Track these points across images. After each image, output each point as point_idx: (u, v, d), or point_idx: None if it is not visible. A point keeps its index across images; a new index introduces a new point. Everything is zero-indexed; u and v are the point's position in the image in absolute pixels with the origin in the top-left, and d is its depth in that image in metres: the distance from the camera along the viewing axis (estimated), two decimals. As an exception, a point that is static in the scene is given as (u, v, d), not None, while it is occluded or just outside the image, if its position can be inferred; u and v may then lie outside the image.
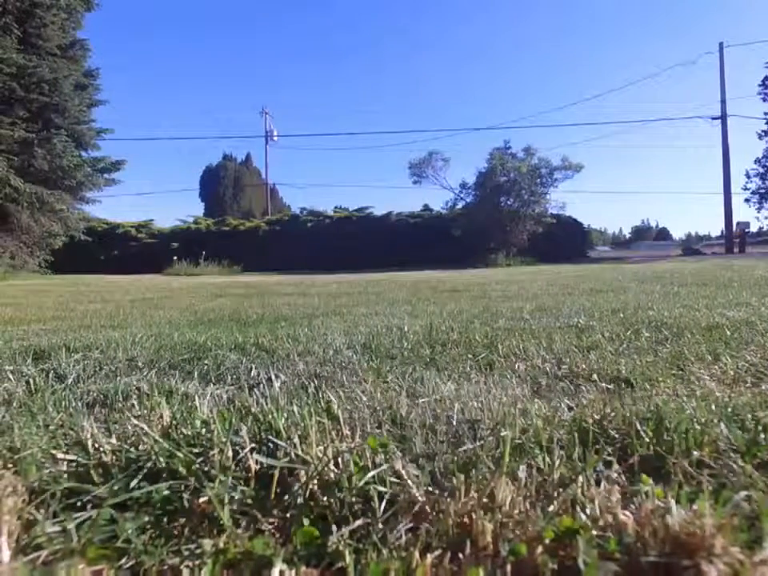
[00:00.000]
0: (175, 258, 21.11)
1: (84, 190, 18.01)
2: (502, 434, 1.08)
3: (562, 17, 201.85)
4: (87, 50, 17.97)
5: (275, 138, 41.21)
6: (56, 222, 17.00)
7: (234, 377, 1.92)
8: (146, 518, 0.85)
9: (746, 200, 32.34)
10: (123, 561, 0.76)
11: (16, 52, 14.57)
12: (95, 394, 1.67)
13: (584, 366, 1.92)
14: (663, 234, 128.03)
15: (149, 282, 13.17)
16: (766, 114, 30.70)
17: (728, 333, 2.48)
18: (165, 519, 0.87)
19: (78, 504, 0.89)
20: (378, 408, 1.41)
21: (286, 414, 1.22)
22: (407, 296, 5.99)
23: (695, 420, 1.18)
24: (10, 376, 1.87)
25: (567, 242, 25.35)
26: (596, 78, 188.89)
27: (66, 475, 0.98)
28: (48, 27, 15.65)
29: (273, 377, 1.82)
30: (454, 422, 1.26)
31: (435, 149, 27.56)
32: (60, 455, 1.04)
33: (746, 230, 29.35)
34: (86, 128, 17.74)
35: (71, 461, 1.03)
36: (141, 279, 14.81)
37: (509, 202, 23.83)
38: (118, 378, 1.89)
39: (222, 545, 0.78)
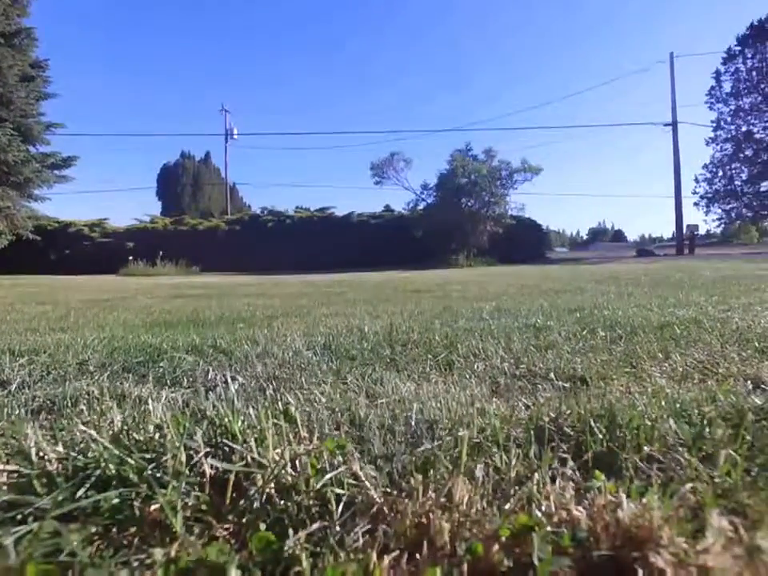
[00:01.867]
0: (131, 258, 20.44)
1: (32, 186, 17.25)
2: (459, 434, 1.09)
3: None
4: (34, 39, 17.19)
5: (235, 137, 40.39)
6: (1, 219, 16.21)
7: (191, 379, 1.87)
8: (94, 529, 0.81)
9: (695, 204, 34.05)
10: (67, 576, 0.72)
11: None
12: (41, 400, 1.59)
13: (541, 365, 1.96)
14: (619, 236, 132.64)
15: (103, 282, 12.72)
16: (712, 122, 32.33)
17: (678, 331, 2.58)
18: (114, 529, 0.83)
19: (19, 517, 0.84)
20: (336, 409, 1.40)
21: (242, 417, 1.19)
22: (369, 296, 5.99)
23: (646, 416, 1.22)
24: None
25: (526, 243, 25.88)
26: (559, 85, 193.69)
27: (5, 487, 0.93)
28: (-11, 13, 14.93)
29: (229, 379, 1.79)
30: (413, 423, 1.26)
31: (396, 150, 27.56)
32: (-1, 466, 0.99)
33: (695, 233, 30.79)
34: (33, 122, 16.99)
35: (12, 471, 0.98)
36: (94, 280, 14.29)
37: (469, 204, 24.07)
38: (67, 382, 1.81)
39: (173, 553, 0.75)
